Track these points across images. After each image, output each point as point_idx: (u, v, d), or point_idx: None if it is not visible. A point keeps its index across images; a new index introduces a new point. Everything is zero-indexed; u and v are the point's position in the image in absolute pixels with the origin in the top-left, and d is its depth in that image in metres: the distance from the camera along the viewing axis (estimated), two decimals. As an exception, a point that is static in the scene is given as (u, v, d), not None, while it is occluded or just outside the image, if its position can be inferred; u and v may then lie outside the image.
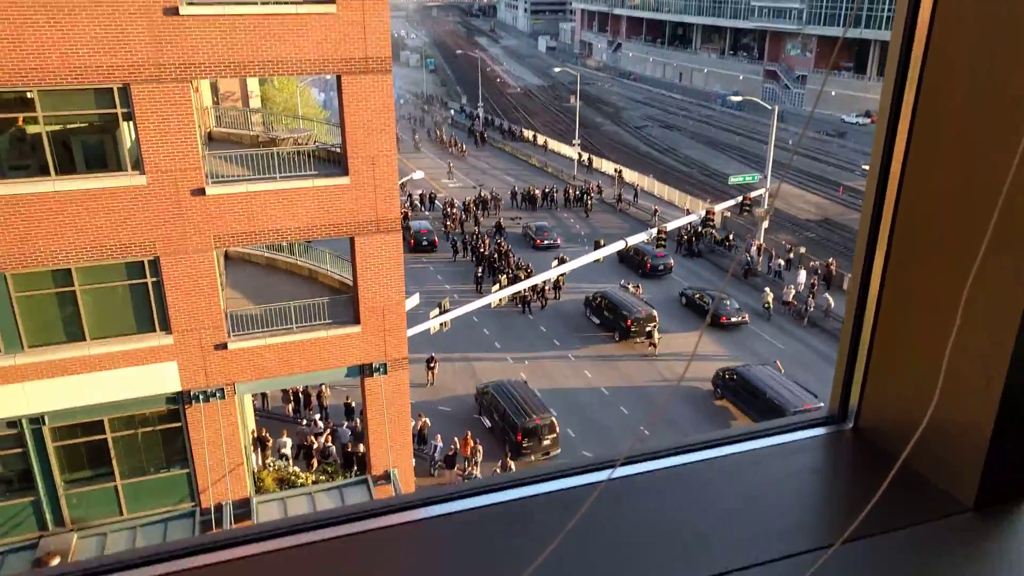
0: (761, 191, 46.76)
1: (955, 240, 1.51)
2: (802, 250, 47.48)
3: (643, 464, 1.70)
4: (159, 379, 17.47)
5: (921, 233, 1.60)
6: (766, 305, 40.68)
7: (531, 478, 1.66)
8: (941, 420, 1.54)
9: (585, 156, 71.34)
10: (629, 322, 36.96)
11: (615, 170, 67.59)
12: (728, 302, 39.72)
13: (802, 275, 42.96)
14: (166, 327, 17.24)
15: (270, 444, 25.29)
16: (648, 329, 36.74)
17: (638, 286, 43.00)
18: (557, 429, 28.43)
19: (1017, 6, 1.32)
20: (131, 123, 15.94)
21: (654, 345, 36.38)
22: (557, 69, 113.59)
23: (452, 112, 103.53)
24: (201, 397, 17.80)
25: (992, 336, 1.44)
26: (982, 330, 1.46)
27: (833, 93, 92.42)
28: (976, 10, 1.40)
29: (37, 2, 14.51)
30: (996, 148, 1.39)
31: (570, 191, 61.63)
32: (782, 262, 46.03)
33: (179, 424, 18.10)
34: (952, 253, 1.51)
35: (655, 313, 37.66)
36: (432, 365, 33.13)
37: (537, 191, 60.89)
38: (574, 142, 70.60)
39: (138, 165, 16.14)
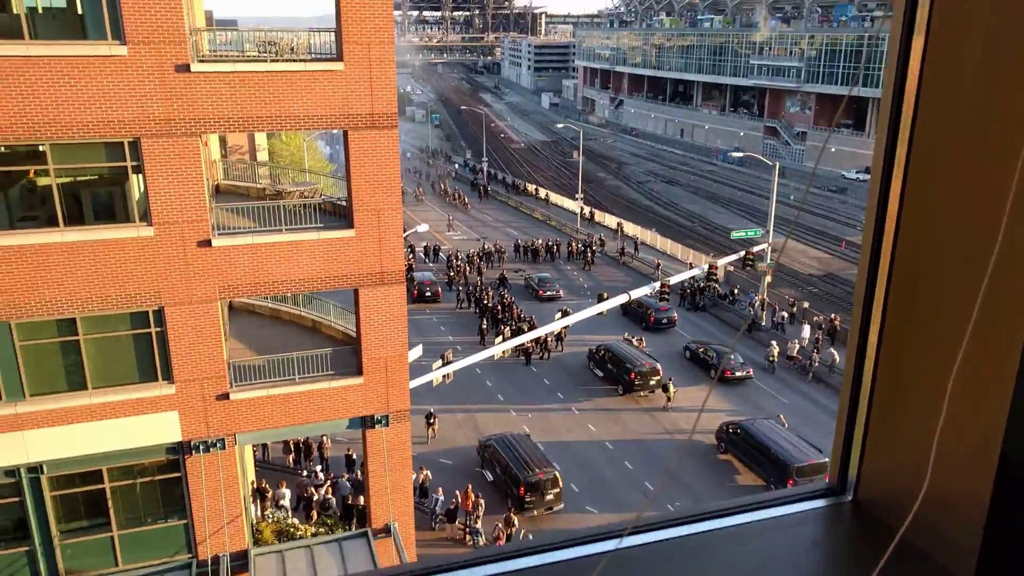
0: (763, 245, 47.03)
1: (946, 314, 1.51)
2: (805, 305, 47.51)
3: (649, 534, 1.70)
4: (160, 429, 17.41)
5: (914, 306, 1.61)
6: (770, 359, 40.56)
7: (536, 548, 1.65)
8: (938, 494, 1.53)
9: (587, 209, 72.09)
10: (633, 375, 36.84)
11: (617, 224, 68.25)
12: (733, 356, 39.62)
13: (806, 330, 42.92)
14: (168, 377, 17.26)
15: (269, 495, 25.02)
16: (662, 382, 36.79)
17: (641, 339, 42.95)
18: (560, 483, 28.09)
19: (1004, 63, 1.34)
20: (140, 175, 16.23)
21: (669, 398, 36.25)
22: (560, 125, 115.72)
23: (456, 166, 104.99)
24: (201, 447, 17.71)
25: (985, 409, 1.44)
26: (975, 403, 1.46)
27: (833, 149, 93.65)
28: (964, 65, 1.43)
29: (53, 59, 14.95)
30: (983, 225, 1.40)
31: (573, 244, 62.09)
32: (785, 315, 46.02)
33: (178, 474, 17.96)
34: (944, 326, 1.52)
35: (659, 366, 37.56)
36: (432, 421, 32.79)
37: (540, 243, 61.36)
38: (577, 196, 71.38)
39: (146, 217, 16.38)
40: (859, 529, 1.78)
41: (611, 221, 70.18)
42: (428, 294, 50.38)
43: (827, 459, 28.57)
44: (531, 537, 25.71)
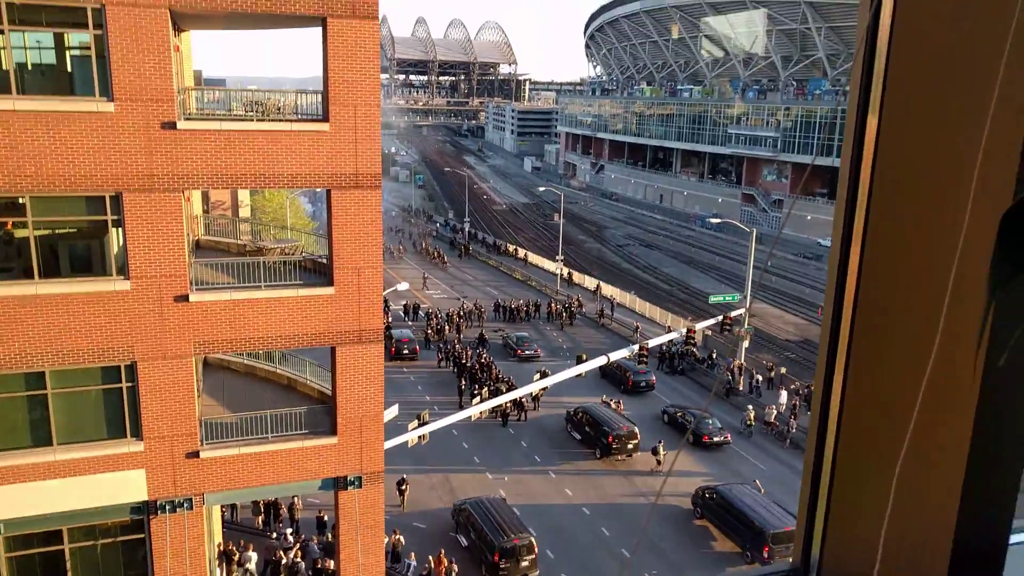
0: (741, 310, 47.49)
1: (898, 394, 1.54)
2: (783, 370, 47.75)
3: None
4: (125, 487, 16.95)
5: (867, 392, 1.65)
6: (747, 423, 40.57)
7: None
8: (895, 574, 1.55)
9: (565, 271, 72.66)
10: (611, 438, 36.61)
11: (596, 285, 68.84)
12: (711, 421, 39.56)
13: (783, 396, 43.03)
14: (137, 433, 16.90)
15: (236, 558, 24.28)
16: (638, 446, 36.79)
17: (619, 402, 42.82)
18: (536, 550, 27.54)
19: (951, 133, 1.40)
20: (120, 229, 16.19)
21: (660, 462, 36.19)
22: (542, 188, 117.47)
23: (437, 225, 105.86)
24: (168, 507, 17.24)
25: (935, 493, 1.45)
26: (925, 488, 1.47)
27: (809, 217, 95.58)
28: (914, 139, 1.49)
29: (39, 113, 15.05)
30: (931, 302, 1.44)
31: (553, 304, 62.38)
32: (760, 378, 46.24)
33: (142, 535, 17.42)
34: (896, 406, 1.54)
35: (636, 430, 37.39)
36: (404, 488, 31.86)
37: (520, 303, 61.57)
38: (557, 257, 71.99)
39: (123, 270, 16.28)
40: None
41: (590, 283, 70.72)
42: (406, 352, 50.15)
43: (800, 487, 28.21)
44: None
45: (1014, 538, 1.59)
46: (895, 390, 1.55)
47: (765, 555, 28.39)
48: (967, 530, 1.43)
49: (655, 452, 36.16)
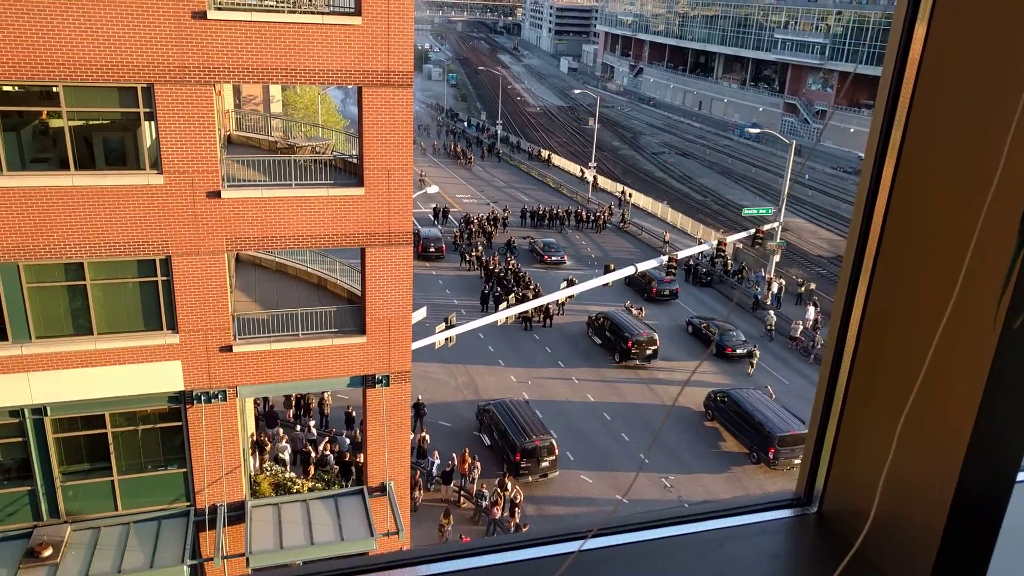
0: (774, 224, 46.72)
1: (913, 333, 1.52)
2: (812, 285, 47.34)
3: (613, 537, 1.73)
4: (163, 377, 17.54)
5: (886, 324, 1.61)
6: (769, 327, 41.19)
7: (499, 545, 1.68)
8: (894, 513, 1.55)
9: (589, 175, 71.78)
10: (630, 343, 37.01)
11: (620, 191, 68.17)
12: (735, 333, 39.75)
13: (811, 311, 42.84)
14: (173, 326, 17.33)
15: (268, 448, 25.30)
16: (748, 352, 38.29)
17: (641, 309, 43.01)
18: (556, 451, 28.33)
19: (1000, 55, 1.34)
20: (152, 123, 16.11)
21: (752, 365, 37.60)
22: (577, 91, 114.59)
23: (465, 126, 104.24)
24: (203, 398, 17.86)
25: (944, 434, 1.44)
26: (934, 425, 1.46)
27: (852, 130, 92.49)
28: (963, 56, 1.42)
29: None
30: (958, 239, 1.40)
31: (582, 212, 61.88)
32: (778, 287, 46.19)
33: (179, 423, 18.15)
34: (910, 345, 1.53)
35: (656, 336, 37.74)
36: (423, 412, 30.52)
37: (548, 210, 61.16)
38: (590, 164, 70.85)
39: (156, 165, 16.31)
40: (820, 542, 1.79)
41: (616, 189, 69.99)
42: (432, 250, 50.77)
43: (809, 417, 29.06)
44: (522, 499, 26.05)
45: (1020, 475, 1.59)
46: (912, 328, 1.53)
47: (770, 456, 29.36)
48: (973, 471, 1.43)
49: (750, 355, 37.85)
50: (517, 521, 25.19)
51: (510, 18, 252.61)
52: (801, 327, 41.08)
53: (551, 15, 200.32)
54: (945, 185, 1.45)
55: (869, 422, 1.67)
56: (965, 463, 1.41)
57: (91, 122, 16.50)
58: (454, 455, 27.78)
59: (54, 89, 15.44)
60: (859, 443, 1.70)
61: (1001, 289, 1.31)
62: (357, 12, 16.61)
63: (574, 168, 78.20)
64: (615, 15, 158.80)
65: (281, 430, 27.76)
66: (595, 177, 71.02)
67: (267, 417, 29.15)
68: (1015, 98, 1.27)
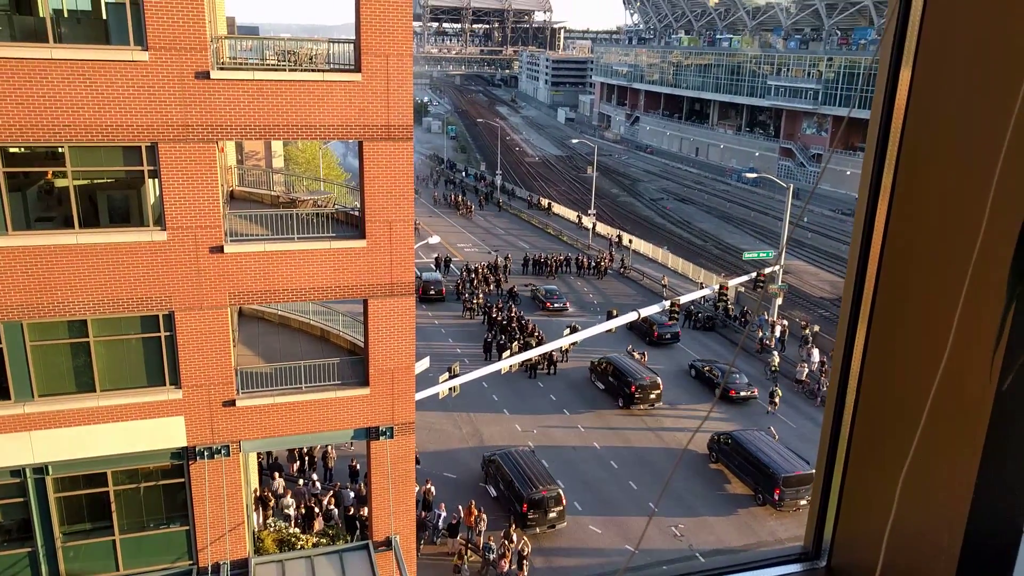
0: (775, 267, 46.85)
1: (911, 385, 1.51)
2: (816, 328, 47.23)
3: None
4: (166, 433, 17.42)
5: (884, 378, 1.61)
6: (773, 369, 41.13)
7: None
8: (902, 566, 1.52)
9: (586, 220, 72.52)
10: (633, 388, 36.85)
11: (616, 235, 68.87)
12: (738, 376, 39.65)
13: (816, 354, 42.67)
14: (176, 381, 17.28)
15: (272, 504, 24.98)
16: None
17: (644, 354, 42.91)
18: (564, 501, 27.93)
19: (983, 94, 1.35)
20: (156, 180, 16.32)
21: (775, 404, 37.57)
22: (575, 140, 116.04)
23: (463, 176, 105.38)
24: (206, 453, 17.70)
25: (948, 484, 1.42)
26: (937, 477, 1.44)
27: (848, 172, 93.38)
28: (947, 98, 1.43)
29: (75, 62, 15.08)
30: (952, 280, 1.39)
31: (582, 257, 62.22)
32: (781, 329, 46.08)
33: (182, 480, 17.95)
34: (909, 398, 1.52)
35: (659, 380, 37.60)
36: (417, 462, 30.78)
37: (550, 257, 61.46)
38: (590, 211, 71.42)
39: (160, 221, 16.46)
40: None
41: (612, 233, 70.52)
42: (432, 292, 51.64)
43: (814, 471, 28.73)
44: (529, 551, 25.57)
45: None
46: (910, 381, 1.52)
47: (776, 497, 29.03)
48: (979, 524, 1.40)
49: (772, 396, 37.72)
50: (525, 574, 24.70)
51: (507, 71, 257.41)
52: (807, 370, 40.89)
53: (547, 67, 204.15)
54: (936, 230, 1.46)
55: (873, 474, 1.65)
56: (971, 515, 1.39)
57: (95, 180, 16.70)
58: (460, 507, 27.39)
59: (59, 149, 15.68)
60: (864, 496, 1.69)
61: (995, 340, 1.30)
62: (357, 68, 16.94)
63: (573, 215, 79.03)
64: (610, 66, 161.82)
65: (283, 484, 27.43)
66: (594, 223, 71.58)
67: (270, 470, 28.84)
68: (999, 139, 1.28)
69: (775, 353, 42.48)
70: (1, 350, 16.09)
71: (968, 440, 1.37)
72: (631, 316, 39.54)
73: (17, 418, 16.33)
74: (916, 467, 1.44)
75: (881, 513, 1.58)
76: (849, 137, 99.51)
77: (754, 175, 69.39)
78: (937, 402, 1.39)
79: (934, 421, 1.41)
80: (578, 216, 75.12)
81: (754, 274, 45.50)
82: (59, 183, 16.26)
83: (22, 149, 15.98)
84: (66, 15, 16.78)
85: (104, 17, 16.65)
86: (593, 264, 61.02)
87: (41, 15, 15.17)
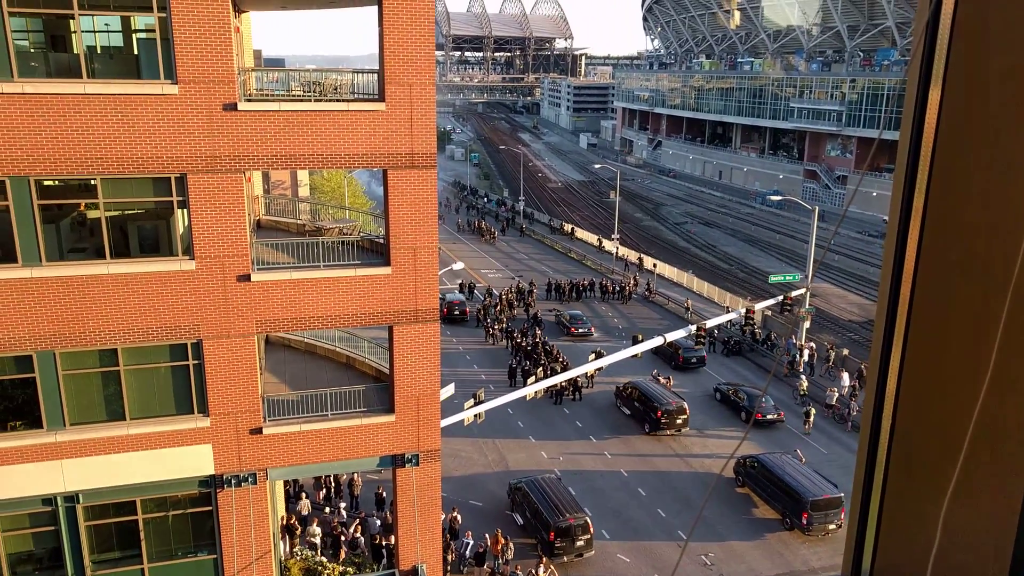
0: (802, 290, 46.36)
1: (951, 410, 1.46)
2: (845, 351, 46.55)
3: None
4: (194, 461, 17.52)
5: (921, 402, 1.57)
6: (802, 393, 40.62)
7: None
8: None
9: (608, 244, 72.53)
10: (660, 413, 36.47)
11: (638, 258, 68.74)
12: (765, 400, 39.15)
13: (845, 378, 42.02)
14: (204, 409, 17.40)
15: (298, 532, 24.94)
16: (805, 410, 38.28)
17: (669, 378, 42.53)
18: (591, 529, 27.60)
19: (1016, 119, 1.33)
20: (185, 210, 16.58)
21: (809, 424, 37.68)
22: (597, 165, 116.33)
23: (485, 201, 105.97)
24: (233, 481, 17.75)
25: (993, 512, 1.37)
26: (982, 505, 1.39)
27: (875, 194, 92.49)
28: (976, 116, 1.41)
29: (108, 97, 15.45)
30: (990, 305, 1.35)
31: (607, 283, 62.02)
32: (809, 352, 45.58)
33: (210, 508, 18.00)
34: (949, 424, 1.47)
35: (685, 405, 37.19)
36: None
37: (574, 282, 61.36)
38: (613, 236, 71.35)
39: (189, 251, 16.69)
40: None
41: (647, 262, 70.19)
42: (456, 313, 52.52)
43: (842, 494, 28.34)
44: (560, 583, 25.23)
45: None
46: (950, 405, 1.48)
47: (804, 521, 28.50)
48: None
49: (808, 416, 37.86)
50: (553, 603, 24.37)
51: (529, 98, 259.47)
52: (836, 394, 40.25)
53: (569, 93, 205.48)
54: (973, 249, 1.42)
55: (913, 503, 1.60)
56: (1018, 545, 1.33)
57: (126, 212, 17.02)
58: (486, 535, 27.16)
59: (92, 181, 16.01)
60: (906, 524, 1.63)
61: None
62: (381, 98, 17.16)
63: (594, 239, 79.11)
64: (631, 91, 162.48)
65: (308, 505, 27.39)
66: (617, 248, 71.52)
67: (296, 497, 28.84)
68: None
69: (803, 377, 41.96)
70: (35, 379, 16.33)
71: (1013, 467, 1.32)
72: (657, 341, 39.28)
73: (49, 447, 16.52)
74: (959, 494, 1.39)
75: (924, 543, 1.53)
76: (875, 159, 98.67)
77: (779, 197, 68.98)
78: (979, 427, 1.34)
79: (976, 447, 1.36)
80: (599, 239, 75.21)
81: (781, 297, 45.03)
82: (91, 214, 16.57)
83: (56, 182, 16.34)
84: (99, 51, 17.20)
85: (136, 52, 17.07)
86: (618, 288, 60.82)
87: (75, 51, 15.59)
